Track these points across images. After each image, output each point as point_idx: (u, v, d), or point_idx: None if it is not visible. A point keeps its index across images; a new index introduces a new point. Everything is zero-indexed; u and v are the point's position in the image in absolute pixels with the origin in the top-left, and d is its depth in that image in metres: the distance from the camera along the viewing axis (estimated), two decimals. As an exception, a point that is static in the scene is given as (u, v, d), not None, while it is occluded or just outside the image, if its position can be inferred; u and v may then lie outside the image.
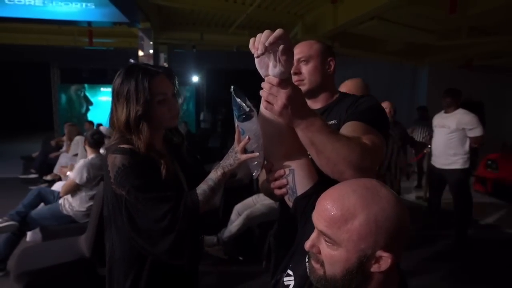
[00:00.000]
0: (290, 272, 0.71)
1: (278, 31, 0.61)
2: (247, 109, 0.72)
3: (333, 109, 1.03)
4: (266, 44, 0.60)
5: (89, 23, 4.26)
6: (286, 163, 0.79)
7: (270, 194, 1.06)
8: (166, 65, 5.09)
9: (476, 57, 5.50)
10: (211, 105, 10.94)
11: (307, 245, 0.59)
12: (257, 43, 0.62)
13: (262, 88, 0.71)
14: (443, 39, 4.34)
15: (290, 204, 0.81)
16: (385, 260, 0.52)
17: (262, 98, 0.72)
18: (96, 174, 2.35)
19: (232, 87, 0.85)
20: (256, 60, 0.68)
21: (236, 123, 0.78)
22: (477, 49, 4.88)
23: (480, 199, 4.12)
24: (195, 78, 11.23)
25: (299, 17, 4.72)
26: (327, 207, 0.55)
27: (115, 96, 0.85)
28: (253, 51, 0.64)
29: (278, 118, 0.73)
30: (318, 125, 0.70)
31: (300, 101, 0.70)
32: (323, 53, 1.03)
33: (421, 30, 3.88)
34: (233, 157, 0.81)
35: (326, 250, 0.56)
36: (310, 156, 0.80)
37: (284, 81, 0.67)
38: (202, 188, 0.81)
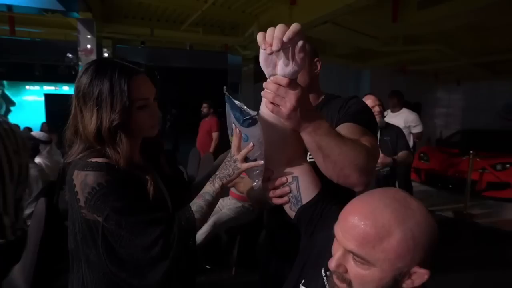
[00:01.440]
0: None
1: (296, 26, 0.55)
2: (253, 113, 0.64)
3: (321, 110, 1.01)
4: (285, 39, 0.54)
5: (10, 7, 3.60)
6: (288, 170, 0.73)
7: (259, 202, 0.99)
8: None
9: (408, 62, 6.23)
10: (160, 106, 10.32)
11: (332, 265, 0.53)
12: (270, 38, 0.55)
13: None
14: (385, 45, 4.81)
15: (292, 213, 0.76)
16: (419, 276, 0.49)
17: (265, 100, 0.65)
18: (33, 188, 1.97)
19: (225, 87, 0.76)
20: (262, 58, 0.61)
21: (237, 128, 0.69)
22: (410, 56, 5.53)
23: (416, 188, 4.66)
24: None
25: (254, 16, 4.71)
26: (357, 224, 0.50)
27: (81, 97, 0.68)
28: (263, 47, 0.57)
29: (282, 122, 0.67)
30: (325, 128, 0.66)
31: (308, 102, 0.65)
32: (310, 53, 1.00)
33: (368, 36, 4.23)
34: (232, 166, 0.71)
35: (355, 269, 0.51)
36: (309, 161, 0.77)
37: (294, 81, 0.61)
38: (198, 205, 0.70)
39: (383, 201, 0.51)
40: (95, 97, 0.66)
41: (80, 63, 4.02)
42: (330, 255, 0.64)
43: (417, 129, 3.20)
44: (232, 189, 2.43)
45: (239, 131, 0.68)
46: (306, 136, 0.67)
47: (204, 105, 3.51)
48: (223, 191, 0.73)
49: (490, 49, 5.45)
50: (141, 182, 0.69)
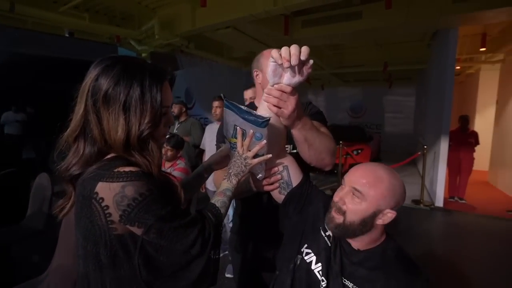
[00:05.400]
0: (308, 250, 0.82)
1: (307, 48, 0.70)
2: (266, 116, 0.77)
3: None
4: (302, 57, 0.69)
5: None
6: (279, 161, 0.90)
7: (239, 193, 1.10)
8: None
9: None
10: (10, 102, 7.84)
11: (337, 197, 0.76)
12: (287, 55, 0.69)
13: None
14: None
15: (281, 197, 0.92)
16: (389, 217, 0.75)
17: (268, 104, 0.79)
18: None
19: (222, 94, 0.85)
20: (271, 69, 0.74)
21: (247, 130, 0.79)
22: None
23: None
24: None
25: (151, 10, 4.42)
26: (363, 173, 0.75)
27: (101, 99, 0.61)
28: (280, 61, 0.70)
29: (279, 121, 0.82)
30: (309, 124, 0.87)
31: (300, 105, 0.83)
32: None
33: (262, 44, 4.75)
34: (244, 163, 0.80)
35: (351, 203, 0.75)
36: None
37: (294, 89, 0.78)
38: (222, 201, 0.76)
39: (378, 166, 0.77)
40: (122, 102, 0.61)
41: None
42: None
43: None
44: (208, 186, 2.51)
45: (253, 131, 0.78)
46: (296, 132, 0.84)
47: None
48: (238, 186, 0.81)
49: (343, 63, 7.25)
50: (171, 188, 0.69)
